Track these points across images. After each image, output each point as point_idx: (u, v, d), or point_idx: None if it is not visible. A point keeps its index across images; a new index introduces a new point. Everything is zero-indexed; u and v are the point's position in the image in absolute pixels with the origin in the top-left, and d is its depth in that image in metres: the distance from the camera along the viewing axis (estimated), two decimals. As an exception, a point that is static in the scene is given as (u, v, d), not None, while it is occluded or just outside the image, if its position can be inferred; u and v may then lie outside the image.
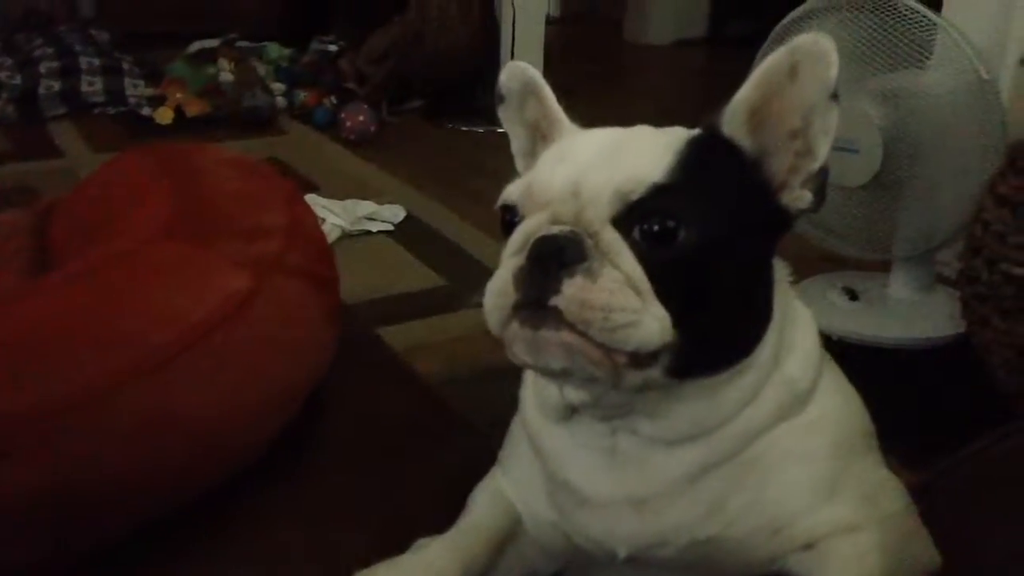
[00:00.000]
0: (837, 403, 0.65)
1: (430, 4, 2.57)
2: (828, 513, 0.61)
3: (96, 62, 2.51)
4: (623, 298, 0.52)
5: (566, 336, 0.52)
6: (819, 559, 0.60)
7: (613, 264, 0.52)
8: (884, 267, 1.44)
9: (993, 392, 1.07)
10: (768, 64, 0.54)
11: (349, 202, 1.75)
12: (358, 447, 0.81)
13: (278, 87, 2.55)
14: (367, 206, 1.76)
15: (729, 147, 0.57)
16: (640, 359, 0.53)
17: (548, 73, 2.49)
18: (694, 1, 3.89)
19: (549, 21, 3.04)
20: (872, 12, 1.21)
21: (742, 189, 0.56)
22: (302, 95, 2.51)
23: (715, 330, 0.56)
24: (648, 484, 0.61)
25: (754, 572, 0.63)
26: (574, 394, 0.59)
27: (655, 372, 0.54)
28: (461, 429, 0.87)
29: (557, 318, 0.52)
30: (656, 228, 0.53)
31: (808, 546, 0.61)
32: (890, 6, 1.20)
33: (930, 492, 0.69)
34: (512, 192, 0.58)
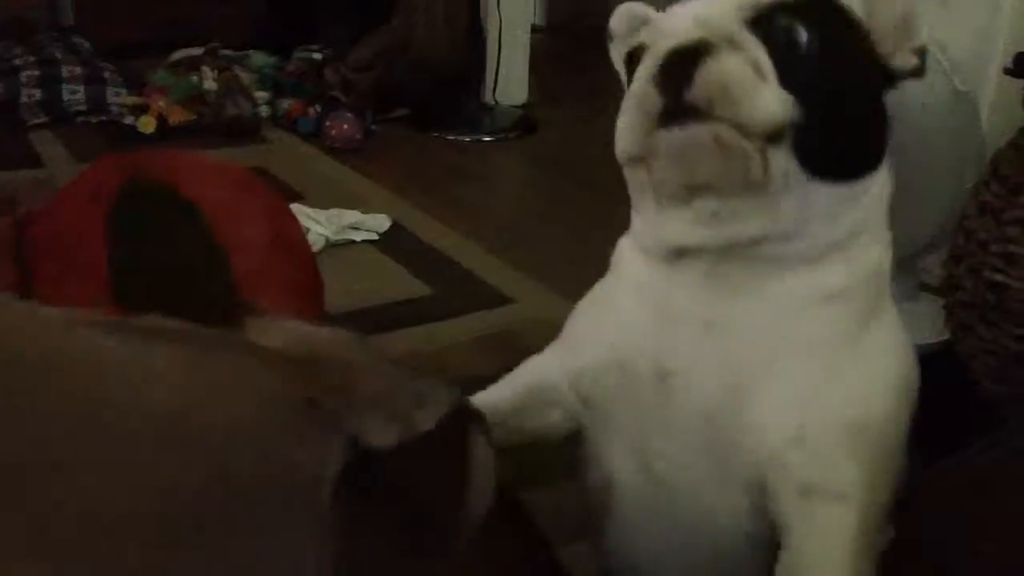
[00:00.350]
0: (900, 357, 0.66)
1: (416, 13, 2.57)
2: (848, 467, 0.60)
3: (78, 70, 2.49)
4: (744, 73, 0.57)
5: (719, 131, 0.57)
6: (805, 521, 0.60)
7: (739, 51, 0.58)
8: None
9: (978, 399, 1.07)
10: None
11: (334, 211, 1.75)
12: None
13: (262, 95, 2.54)
14: (352, 215, 1.75)
15: (847, 9, 0.63)
16: (771, 137, 0.57)
17: (535, 82, 2.54)
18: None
19: (534, 30, 3.05)
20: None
21: (856, 36, 0.63)
22: (287, 103, 2.50)
23: (836, 127, 0.60)
24: (727, 312, 0.63)
25: (741, 496, 0.62)
26: (697, 233, 0.61)
27: (787, 152, 0.58)
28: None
29: (694, 113, 0.57)
30: (782, 31, 0.59)
31: (804, 492, 0.60)
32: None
33: (917, 500, 0.69)
34: (639, 34, 0.65)
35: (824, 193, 0.60)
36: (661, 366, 0.64)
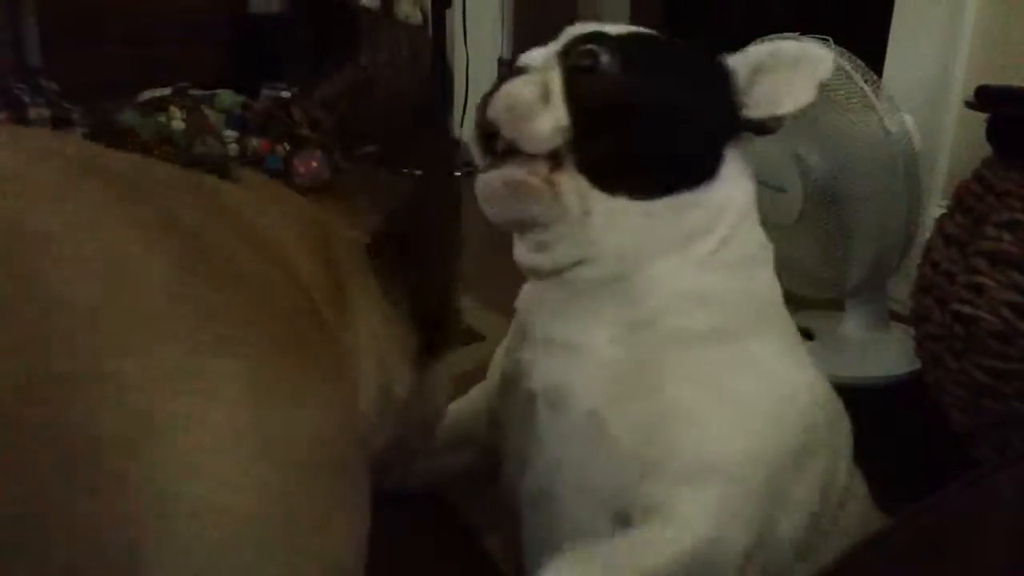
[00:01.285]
0: (769, 392, 0.63)
1: (381, 50, 2.57)
2: (692, 500, 0.59)
3: (45, 113, 2.48)
4: (526, 93, 0.62)
5: (507, 172, 0.63)
6: (639, 539, 0.59)
7: (539, 75, 0.63)
8: (839, 306, 1.45)
9: (949, 430, 1.07)
10: (783, 47, 0.65)
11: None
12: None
13: (230, 135, 2.52)
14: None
15: (719, 63, 0.67)
16: (554, 161, 0.62)
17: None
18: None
19: (500, 63, 3.06)
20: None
21: (703, 79, 0.67)
22: (254, 142, 2.49)
23: (620, 148, 0.63)
24: (575, 329, 0.65)
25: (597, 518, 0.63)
26: (532, 258, 0.67)
27: (574, 174, 0.62)
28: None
29: (503, 144, 0.63)
30: (581, 56, 0.63)
31: (648, 511, 0.60)
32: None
33: (891, 540, 0.68)
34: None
35: (626, 210, 0.63)
36: (528, 388, 0.67)
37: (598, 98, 0.63)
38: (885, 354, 1.38)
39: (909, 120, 1.24)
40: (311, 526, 0.44)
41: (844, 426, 0.75)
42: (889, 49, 1.50)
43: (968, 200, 1.00)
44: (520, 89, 0.62)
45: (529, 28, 4.41)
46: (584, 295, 0.65)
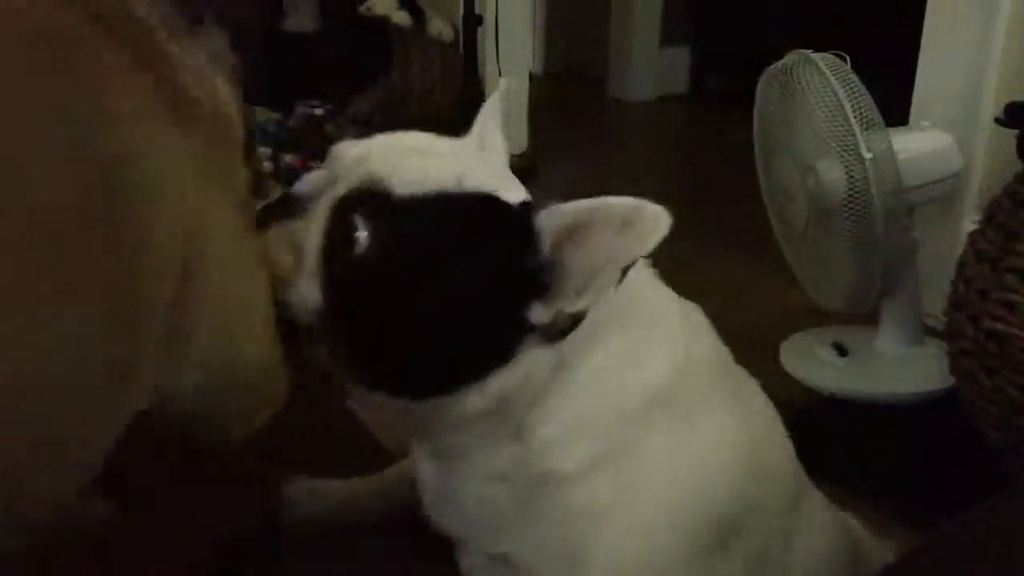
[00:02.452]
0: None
1: (413, 67, 2.60)
2: None
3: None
4: (284, 258, 0.56)
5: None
6: None
7: (302, 230, 0.55)
8: (874, 321, 1.44)
9: (983, 447, 1.06)
10: (613, 203, 0.54)
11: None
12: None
13: (264, 151, 2.56)
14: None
15: (521, 228, 0.56)
16: (311, 335, 0.55)
17: (533, 131, 2.56)
18: (675, 58, 3.95)
19: (531, 78, 3.07)
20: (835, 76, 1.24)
21: (492, 264, 0.55)
22: (288, 158, 2.52)
23: (371, 346, 0.55)
24: (454, 487, 0.63)
25: None
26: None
27: (322, 354, 0.56)
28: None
29: None
30: (344, 223, 0.54)
31: None
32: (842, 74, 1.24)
33: (926, 557, 0.68)
34: None
35: (395, 407, 0.59)
36: (439, 527, 0.68)
37: (346, 286, 0.55)
38: (919, 370, 1.37)
39: (945, 138, 1.24)
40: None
41: (785, 471, 0.70)
42: (920, 66, 1.50)
43: (1000, 216, 1.00)
44: (274, 250, 0.57)
45: (561, 44, 4.43)
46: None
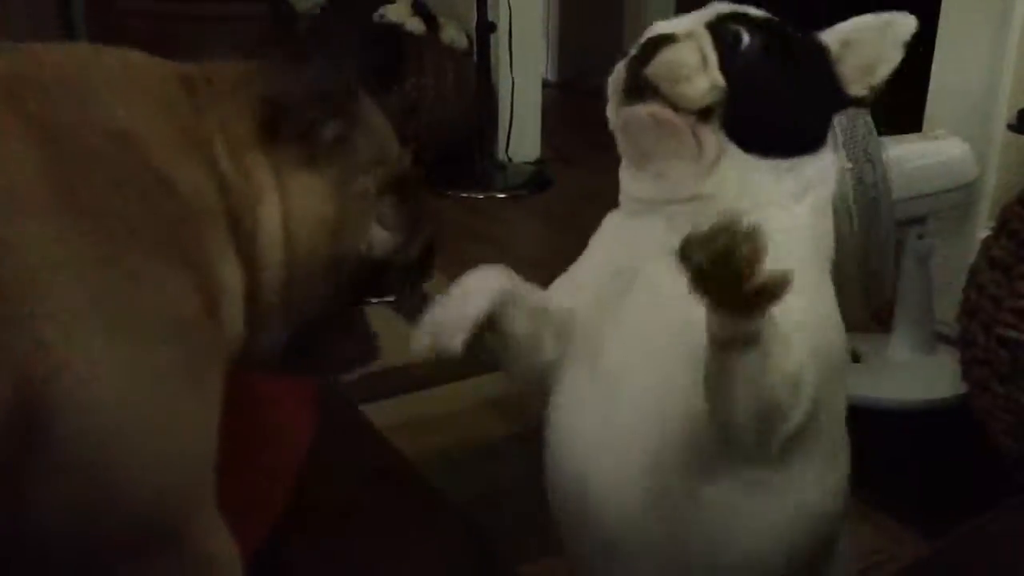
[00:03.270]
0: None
1: (426, 74, 2.61)
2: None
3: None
4: (688, 56, 0.72)
5: (650, 107, 0.72)
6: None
7: (696, 42, 0.73)
8: (887, 328, 1.44)
9: (996, 455, 1.06)
10: (867, 19, 0.77)
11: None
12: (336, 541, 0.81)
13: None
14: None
15: (819, 43, 0.77)
16: (701, 114, 0.71)
17: (547, 138, 2.55)
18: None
19: (545, 85, 3.08)
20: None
21: (817, 58, 0.77)
22: (302, 166, 2.53)
23: (760, 113, 0.74)
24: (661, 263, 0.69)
25: None
26: (647, 189, 0.76)
27: (716, 128, 0.72)
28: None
29: (651, 92, 0.72)
30: (730, 33, 0.73)
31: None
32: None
33: (937, 563, 0.68)
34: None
35: (752, 166, 0.73)
36: (626, 279, 0.76)
37: (743, 71, 0.73)
38: (932, 377, 1.36)
39: (961, 146, 1.24)
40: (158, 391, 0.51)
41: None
42: (933, 73, 1.50)
43: (1013, 223, 0.99)
44: (683, 54, 0.72)
45: (574, 51, 4.43)
46: (682, 230, 0.67)
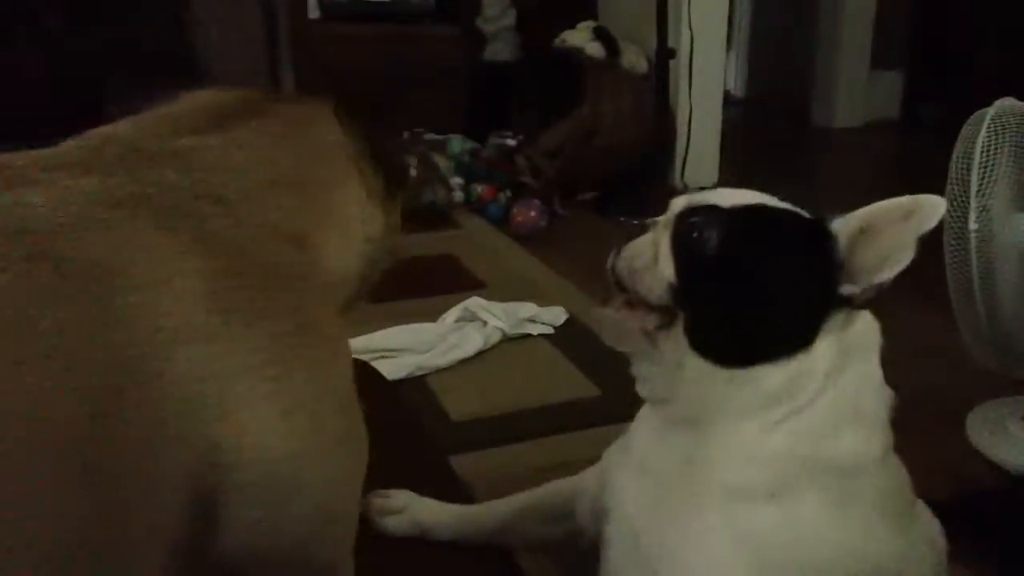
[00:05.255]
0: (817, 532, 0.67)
1: (603, 101, 2.61)
2: None
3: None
4: (641, 252, 0.71)
5: (610, 313, 0.73)
6: None
7: (655, 236, 0.71)
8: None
9: None
10: (892, 203, 0.67)
11: (511, 304, 1.79)
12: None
13: (456, 181, 2.65)
14: (528, 308, 1.79)
15: (823, 235, 0.68)
16: (663, 318, 0.69)
17: (725, 161, 2.52)
18: (886, 81, 3.76)
19: (734, 102, 3.02)
20: None
21: (801, 259, 0.69)
22: (479, 189, 2.60)
23: (714, 317, 0.69)
24: (651, 456, 0.74)
25: None
26: (640, 385, 0.74)
27: (677, 333, 0.68)
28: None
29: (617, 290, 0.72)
30: (691, 229, 0.69)
31: None
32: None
33: None
34: None
35: (708, 373, 0.68)
36: (605, 496, 0.77)
37: (695, 269, 0.69)
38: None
39: None
40: (328, 458, 0.56)
41: None
42: None
43: None
44: (636, 249, 0.72)
45: (764, 70, 4.31)
46: (667, 425, 0.73)
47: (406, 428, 1.10)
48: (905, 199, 0.66)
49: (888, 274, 0.66)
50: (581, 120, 2.62)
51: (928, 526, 0.77)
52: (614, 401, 1.49)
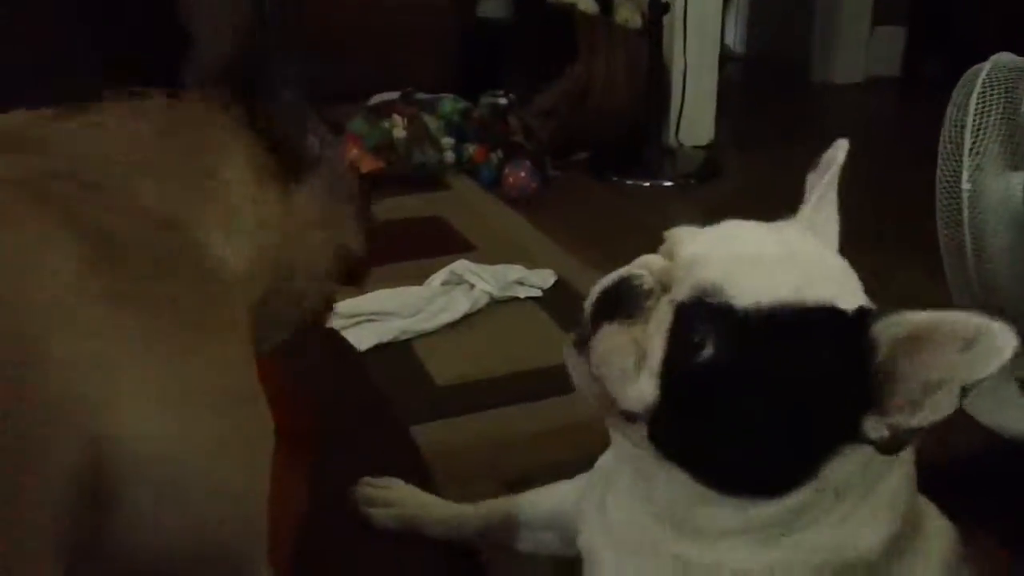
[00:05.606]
0: None
1: (598, 56, 2.56)
2: None
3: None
4: (622, 360, 0.57)
5: (577, 366, 0.61)
6: None
7: (644, 333, 0.58)
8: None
9: None
10: (956, 319, 0.52)
11: (499, 267, 1.76)
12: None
13: (447, 142, 2.61)
14: (517, 271, 1.76)
15: (857, 337, 0.55)
16: (627, 413, 0.59)
17: (722, 120, 2.48)
18: (888, 37, 3.69)
19: (734, 58, 2.96)
20: None
21: (829, 376, 0.55)
22: (471, 149, 2.56)
23: (704, 447, 0.58)
24: (629, 539, 0.66)
25: None
26: (614, 446, 0.69)
27: (639, 430, 0.59)
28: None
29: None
30: (691, 334, 0.56)
31: None
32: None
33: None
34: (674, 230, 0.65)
35: (688, 484, 0.59)
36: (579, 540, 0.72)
37: (691, 391, 0.57)
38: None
39: None
40: (215, 453, 0.53)
41: None
42: None
43: None
44: (616, 354, 0.58)
45: (763, 25, 4.24)
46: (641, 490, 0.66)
47: (369, 401, 1.09)
48: (972, 322, 0.51)
49: (930, 417, 0.52)
50: (575, 79, 2.57)
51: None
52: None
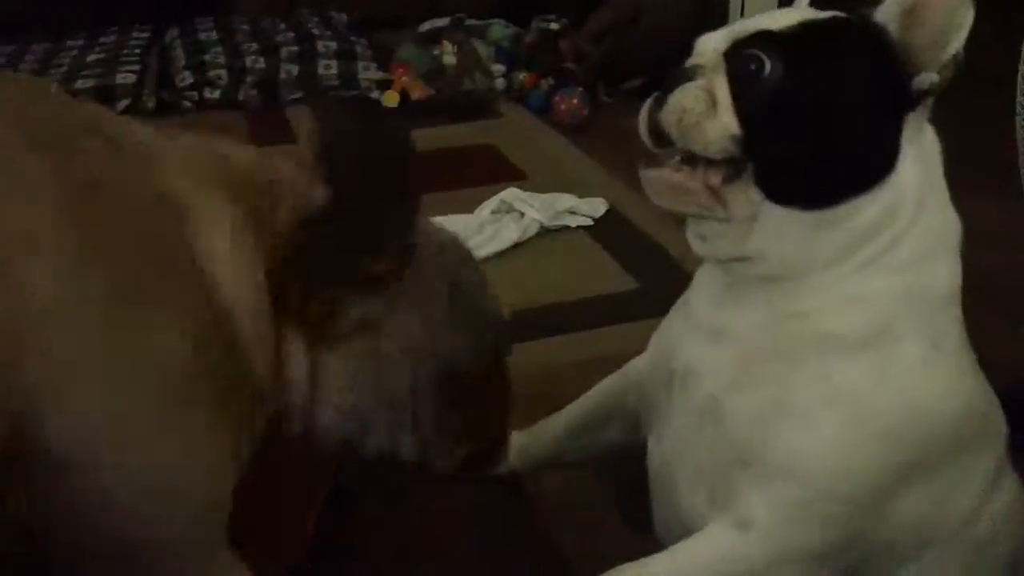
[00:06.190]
0: (901, 407, 0.64)
1: (651, -22, 2.48)
2: (757, 501, 0.64)
3: (333, 46, 2.62)
4: (694, 102, 0.62)
5: (668, 175, 0.66)
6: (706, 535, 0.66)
7: (706, 81, 0.63)
8: None
9: None
10: None
11: (549, 196, 1.74)
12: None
13: (498, 68, 2.56)
14: (567, 199, 1.74)
15: (874, 30, 0.63)
16: (728, 173, 0.63)
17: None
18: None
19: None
20: None
21: (868, 64, 0.63)
22: (521, 76, 2.52)
23: (793, 158, 0.63)
24: (725, 315, 0.69)
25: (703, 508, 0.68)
26: (698, 246, 0.70)
27: (747, 184, 0.63)
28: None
29: (668, 141, 0.64)
30: (746, 61, 0.62)
31: (743, 525, 0.64)
32: None
33: None
34: None
35: (796, 219, 0.63)
36: (669, 366, 0.73)
37: (765, 108, 0.62)
38: None
39: None
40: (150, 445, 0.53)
41: (990, 438, 0.71)
42: None
43: None
44: (687, 100, 0.63)
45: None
46: (742, 284, 0.68)
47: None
48: None
49: (957, 42, 0.61)
50: (626, 2, 2.50)
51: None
52: (652, 294, 1.45)
